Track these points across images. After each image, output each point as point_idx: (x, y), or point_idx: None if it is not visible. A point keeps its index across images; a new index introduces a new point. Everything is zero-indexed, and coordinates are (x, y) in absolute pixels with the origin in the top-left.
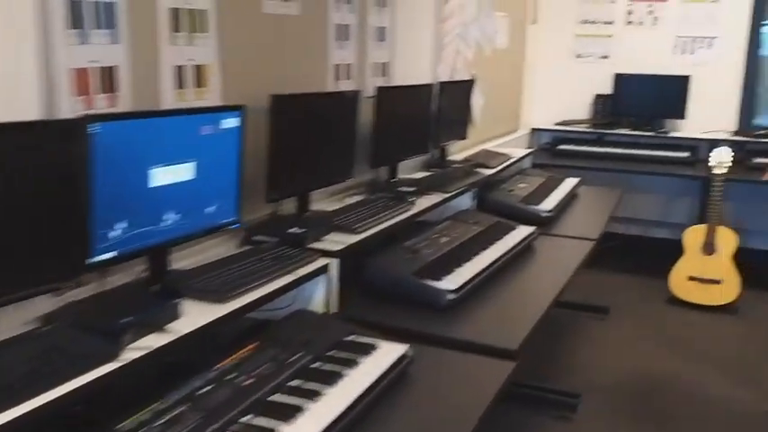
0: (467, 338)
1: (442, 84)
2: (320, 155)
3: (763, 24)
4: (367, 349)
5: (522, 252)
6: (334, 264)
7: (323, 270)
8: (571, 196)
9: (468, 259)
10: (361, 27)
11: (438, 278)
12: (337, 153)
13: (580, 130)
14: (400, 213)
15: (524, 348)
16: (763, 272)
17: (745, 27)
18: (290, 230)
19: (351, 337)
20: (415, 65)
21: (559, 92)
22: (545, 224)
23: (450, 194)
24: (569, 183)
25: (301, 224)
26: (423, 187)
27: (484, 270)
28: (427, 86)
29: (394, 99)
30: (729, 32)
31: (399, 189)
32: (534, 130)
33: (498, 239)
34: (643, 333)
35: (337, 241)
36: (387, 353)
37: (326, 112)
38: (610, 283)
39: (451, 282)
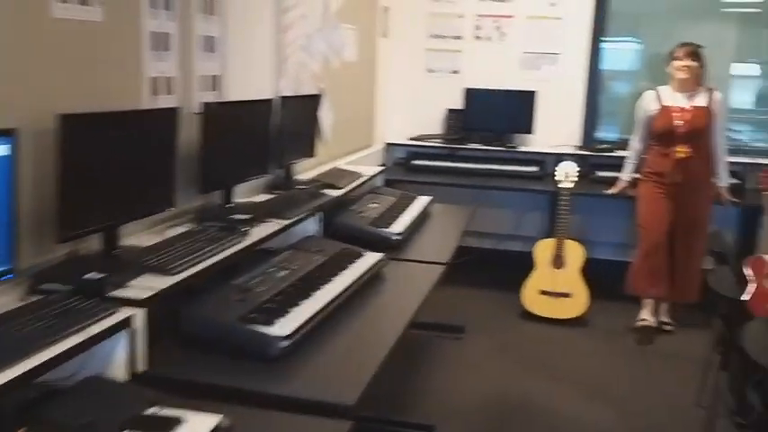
0: (298, 395)
1: (285, 98)
2: (128, 182)
3: (603, 40)
4: (169, 426)
5: (370, 282)
6: (139, 315)
7: (124, 324)
8: (423, 216)
9: (306, 296)
10: (185, 36)
11: (270, 322)
12: (152, 179)
13: (433, 144)
14: (229, 246)
15: (372, 388)
16: (608, 282)
17: (586, 43)
18: (87, 276)
19: (151, 410)
20: (253, 78)
21: (413, 106)
22: (395, 248)
23: (290, 221)
24: (421, 201)
25: (102, 267)
26: (261, 213)
27: (325, 307)
28: (266, 102)
29: (225, 116)
30: (572, 48)
31: (232, 217)
32: (389, 145)
33: (343, 270)
34: (499, 351)
35: (147, 286)
36: (194, 428)
37: (135, 133)
38: (465, 300)
39: (285, 326)
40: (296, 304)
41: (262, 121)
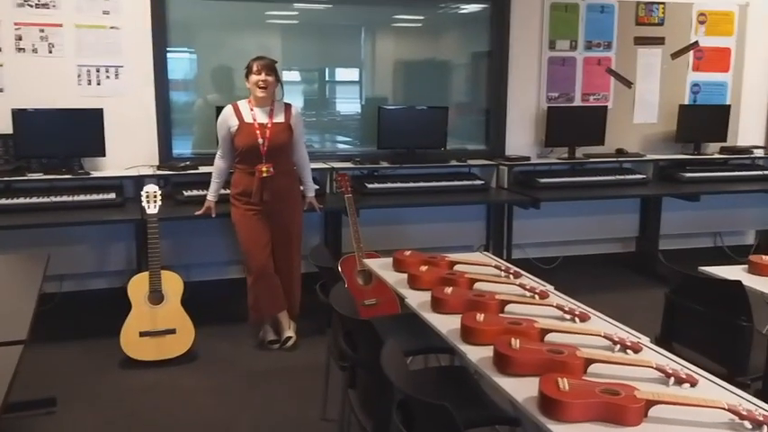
0: None
1: None
2: None
3: (169, 51)
4: None
5: None
6: None
7: None
8: None
9: None
10: None
11: None
12: None
13: None
14: None
15: None
16: (213, 305)
17: (149, 54)
18: None
19: None
20: None
21: None
22: None
23: None
24: None
25: None
26: None
27: None
28: None
29: None
30: (135, 60)
31: None
32: None
33: None
34: (101, 417)
35: None
36: None
37: None
38: (53, 359)
39: None
40: None
41: None
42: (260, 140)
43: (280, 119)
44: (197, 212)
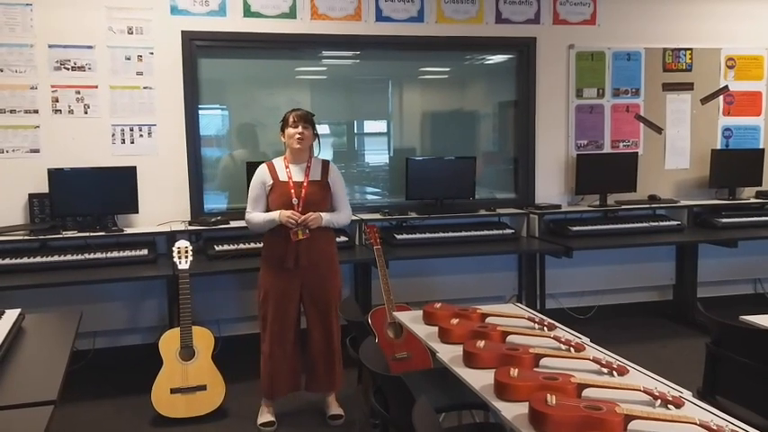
0: None
1: None
2: None
3: (200, 108)
4: None
5: None
6: None
7: None
8: (15, 338)
9: None
10: None
11: None
12: None
13: (16, 238)
14: None
15: None
16: (239, 358)
17: (181, 112)
18: None
19: None
20: None
21: None
22: None
23: None
24: (9, 318)
25: None
26: None
27: None
28: None
29: None
30: (168, 118)
31: None
32: None
33: None
34: None
35: None
36: None
37: None
38: (84, 416)
39: None
40: None
41: None
42: (294, 200)
43: (316, 176)
44: (289, 218)
